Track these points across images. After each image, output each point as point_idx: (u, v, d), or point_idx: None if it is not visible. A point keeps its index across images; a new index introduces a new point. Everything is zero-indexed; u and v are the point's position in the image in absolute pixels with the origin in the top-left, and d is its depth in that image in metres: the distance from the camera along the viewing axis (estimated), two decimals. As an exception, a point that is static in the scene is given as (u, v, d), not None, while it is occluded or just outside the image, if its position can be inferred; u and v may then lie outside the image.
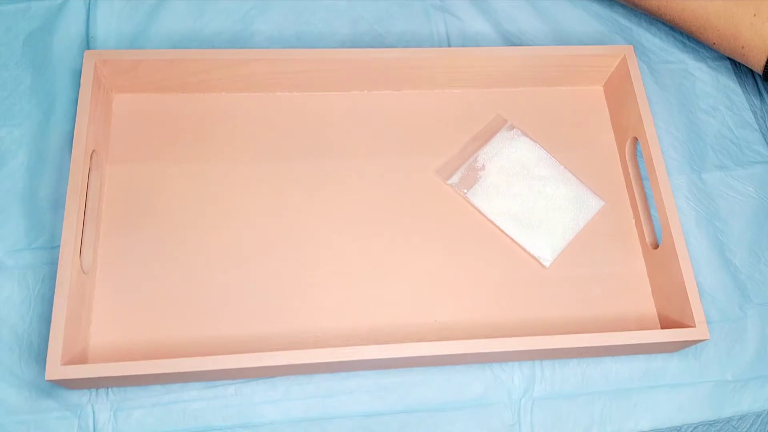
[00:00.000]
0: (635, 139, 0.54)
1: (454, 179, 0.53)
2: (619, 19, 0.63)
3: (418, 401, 0.48)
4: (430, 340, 0.46)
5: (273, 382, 0.47)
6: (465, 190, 0.53)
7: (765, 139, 0.60)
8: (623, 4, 0.61)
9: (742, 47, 0.55)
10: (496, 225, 0.52)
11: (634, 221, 0.54)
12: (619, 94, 0.56)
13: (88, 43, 0.56)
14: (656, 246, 0.51)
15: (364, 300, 0.49)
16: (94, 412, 0.45)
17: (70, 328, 0.42)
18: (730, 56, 0.58)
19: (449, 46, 0.60)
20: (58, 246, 0.47)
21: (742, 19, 0.54)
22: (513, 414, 0.48)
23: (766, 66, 0.54)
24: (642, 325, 0.50)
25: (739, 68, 0.62)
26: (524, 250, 0.52)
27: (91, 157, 0.48)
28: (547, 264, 0.51)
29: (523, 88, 0.57)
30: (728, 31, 0.55)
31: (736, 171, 0.58)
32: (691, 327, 0.46)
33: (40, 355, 0.46)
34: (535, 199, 0.53)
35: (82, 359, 0.44)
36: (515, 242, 0.52)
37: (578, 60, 0.55)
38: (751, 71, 0.62)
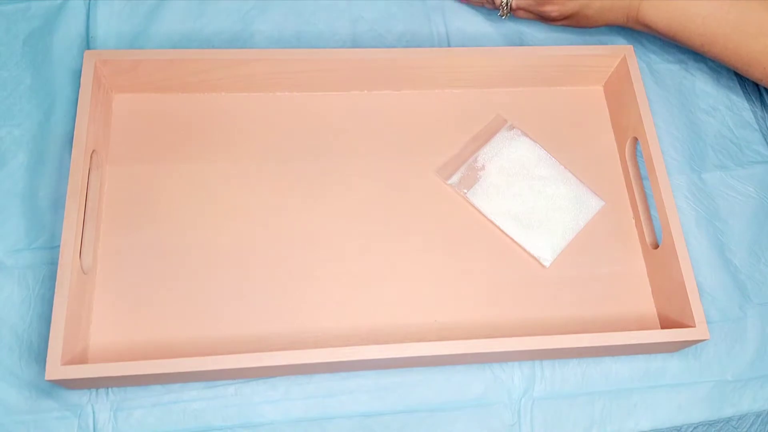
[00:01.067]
0: (635, 139, 0.54)
1: (454, 179, 0.53)
2: (619, 19, 0.63)
3: (418, 401, 0.48)
4: (430, 340, 0.46)
5: (273, 382, 0.47)
6: (465, 190, 0.53)
7: (765, 139, 0.60)
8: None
9: None
10: (496, 225, 0.52)
11: (634, 221, 0.54)
12: (619, 94, 0.56)
13: (88, 43, 0.56)
14: (656, 246, 0.51)
15: (364, 300, 0.49)
16: (94, 412, 0.45)
17: (70, 328, 0.42)
18: None
19: (449, 46, 0.60)
20: (58, 246, 0.46)
21: None
22: (513, 414, 0.48)
23: None
24: (642, 325, 0.50)
25: (739, 68, 0.62)
26: (524, 250, 0.52)
27: (91, 157, 0.48)
28: (547, 264, 0.51)
29: (523, 88, 0.57)
30: None
31: (736, 171, 0.58)
32: (691, 327, 0.46)
33: (40, 355, 0.46)
34: (535, 199, 0.53)
35: (82, 359, 0.44)
36: (515, 242, 0.52)
37: (578, 60, 0.55)
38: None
